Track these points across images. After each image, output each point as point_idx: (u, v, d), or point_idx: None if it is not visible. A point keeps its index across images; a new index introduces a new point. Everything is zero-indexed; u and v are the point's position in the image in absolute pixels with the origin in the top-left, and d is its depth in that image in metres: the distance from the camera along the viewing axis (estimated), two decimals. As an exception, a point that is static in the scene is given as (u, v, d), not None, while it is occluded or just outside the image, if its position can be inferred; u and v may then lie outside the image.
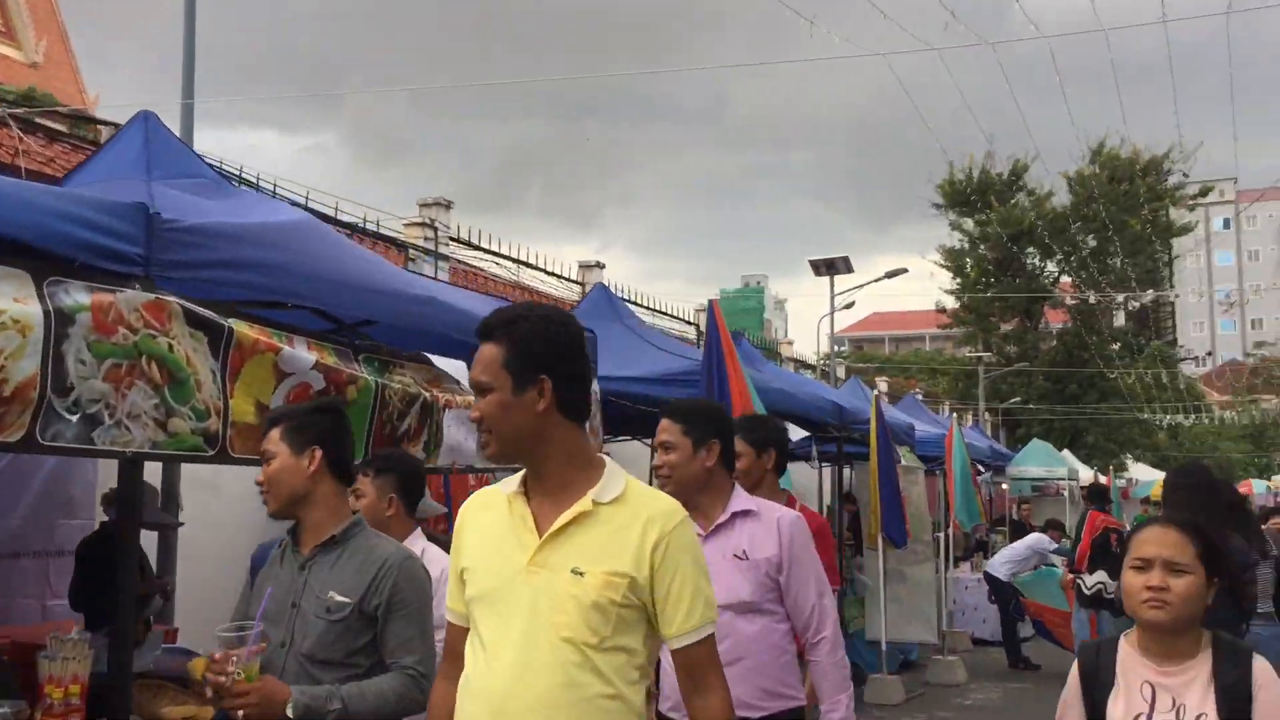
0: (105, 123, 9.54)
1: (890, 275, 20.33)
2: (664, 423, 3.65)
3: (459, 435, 4.43)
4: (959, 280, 38.17)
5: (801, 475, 15.68)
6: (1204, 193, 38.12)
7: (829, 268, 20.36)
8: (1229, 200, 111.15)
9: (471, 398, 4.63)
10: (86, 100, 36.81)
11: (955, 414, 28.90)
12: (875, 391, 9.66)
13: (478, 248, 11.60)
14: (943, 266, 38.40)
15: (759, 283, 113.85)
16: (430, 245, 10.30)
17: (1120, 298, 36.16)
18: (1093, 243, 37.62)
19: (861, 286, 20.57)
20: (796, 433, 8.80)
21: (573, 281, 13.09)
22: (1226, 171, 42.08)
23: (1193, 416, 44.11)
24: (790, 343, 21.93)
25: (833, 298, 20.03)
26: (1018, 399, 36.44)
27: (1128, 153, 37.61)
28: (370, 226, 10.08)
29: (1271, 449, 53.86)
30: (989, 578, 13.06)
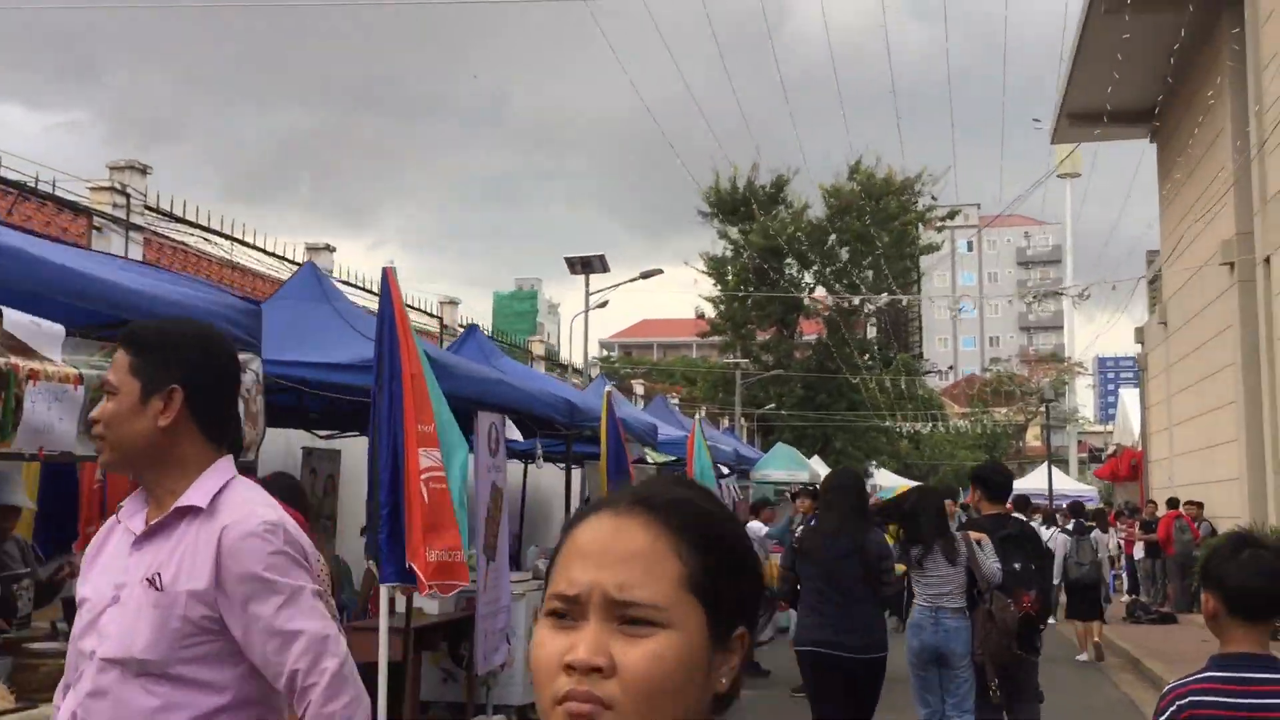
0: None
1: (645, 276, 20.20)
2: (116, 354, 2.42)
3: (50, 416, 3.63)
4: (720, 288, 38.77)
5: (551, 476, 15.30)
6: (951, 215, 40.12)
7: (584, 266, 20.02)
8: (973, 225, 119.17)
9: (73, 370, 3.85)
10: None
11: (704, 417, 29.25)
12: (607, 388, 9.24)
13: (178, 219, 10.43)
14: (705, 273, 38.92)
15: (532, 286, 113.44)
16: (121, 214, 9.15)
17: (866, 304, 37.64)
18: (846, 255, 38.96)
19: (617, 286, 20.37)
20: (512, 430, 8.26)
21: (294, 264, 12.09)
22: (973, 198, 44.83)
23: (932, 425, 46.41)
24: (543, 341, 21.40)
25: (587, 296, 19.71)
26: (772, 405, 37.29)
27: (883, 173, 39.20)
28: (44, 187, 8.84)
29: (1003, 457, 57.45)
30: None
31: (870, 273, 39.91)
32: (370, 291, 11.95)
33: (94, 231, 9.19)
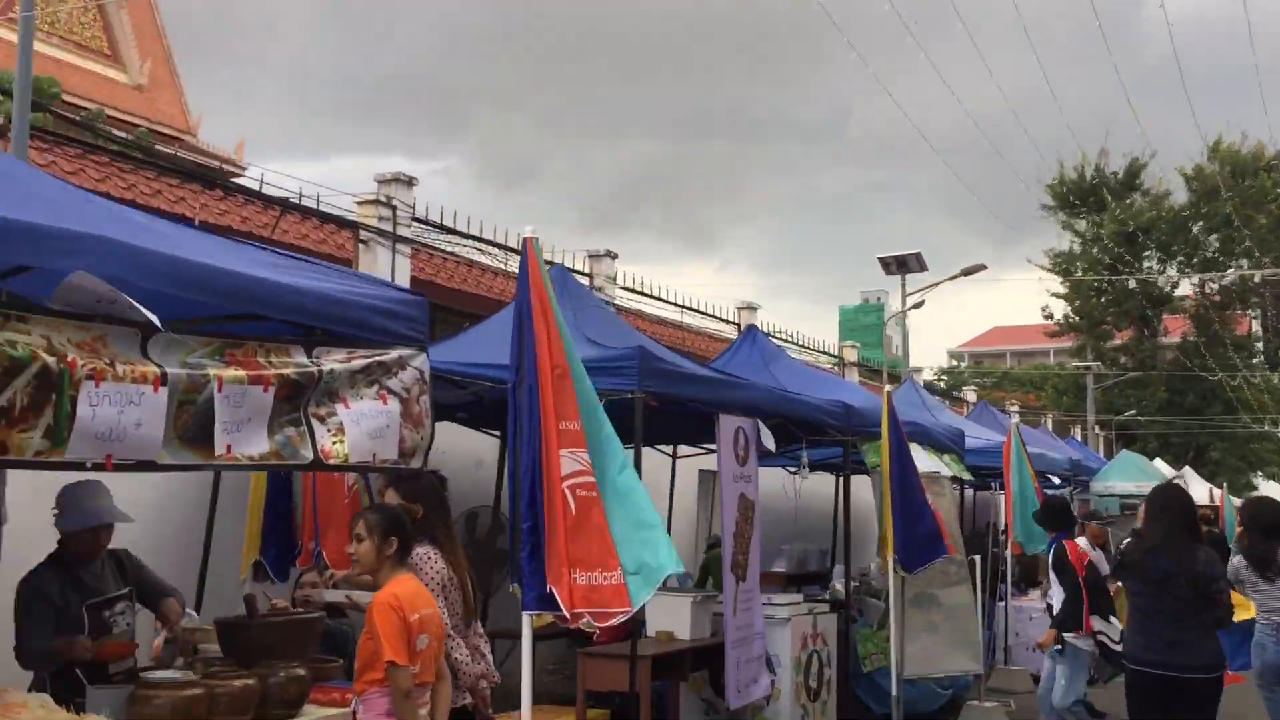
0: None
1: (967, 273, 18.65)
2: None
3: (121, 420, 3.26)
4: (1067, 285, 35.81)
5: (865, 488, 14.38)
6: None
7: (900, 265, 18.79)
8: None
9: (155, 369, 3.47)
10: (190, 123, 37.19)
11: (1048, 426, 26.84)
12: (887, 389, 8.22)
13: (445, 228, 10.47)
14: (1049, 271, 36.11)
15: (878, 299, 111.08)
16: (388, 227, 9.17)
17: (1243, 291, 33.44)
18: (1216, 242, 34.92)
19: (937, 284, 18.93)
20: (767, 438, 7.46)
21: (580, 273, 11.91)
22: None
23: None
24: (855, 346, 20.34)
25: (904, 297, 18.46)
26: (1132, 412, 33.93)
27: (1249, 149, 34.88)
28: (308, 203, 9.00)
29: None
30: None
31: (1245, 262, 35.59)
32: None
33: (360, 245, 9.28)
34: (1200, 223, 34.58)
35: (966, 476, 10.96)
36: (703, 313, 16.90)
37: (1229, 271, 33.75)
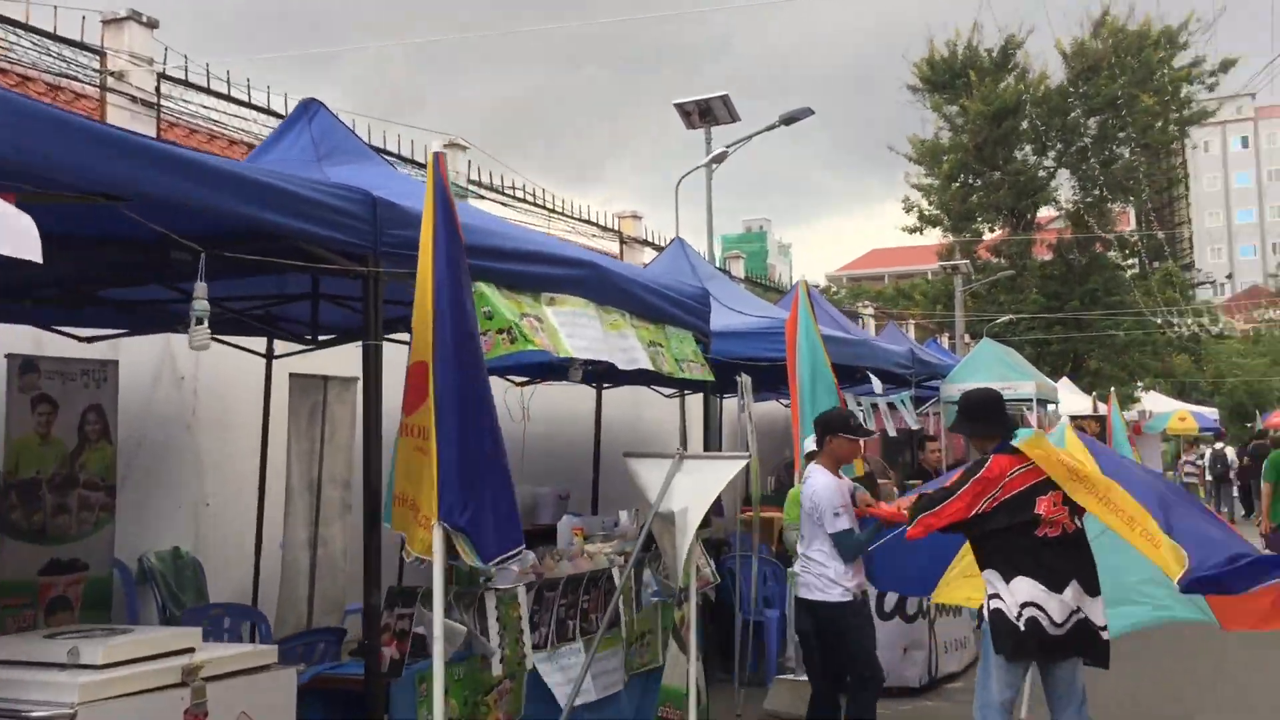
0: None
1: (787, 121, 14.29)
2: None
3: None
4: (932, 176, 31.84)
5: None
6: (1225, 67, 31.52)
7: (704, 114, 14.33)
8: (1247, 118, 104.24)
9: None
10: None
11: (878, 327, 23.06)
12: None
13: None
14: (912, 160, 32.09)
15: (761, 227, 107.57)
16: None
17: (1121, 188, 29.96)
18: (1095, 128, 31.28)
19: (751, 137, 14.53)
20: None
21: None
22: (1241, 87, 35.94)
23: (1216, 327, 37.98)
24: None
25: (709, 151, 14.04)
26: (1007, 317, 30.31)
27: (1136, 25, 31.24)
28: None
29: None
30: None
31: (1126, 151, 32.11)
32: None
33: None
34: (1079, 106, 30.87)
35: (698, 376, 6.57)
36: (579, 219, 14.62)
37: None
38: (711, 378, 6.49)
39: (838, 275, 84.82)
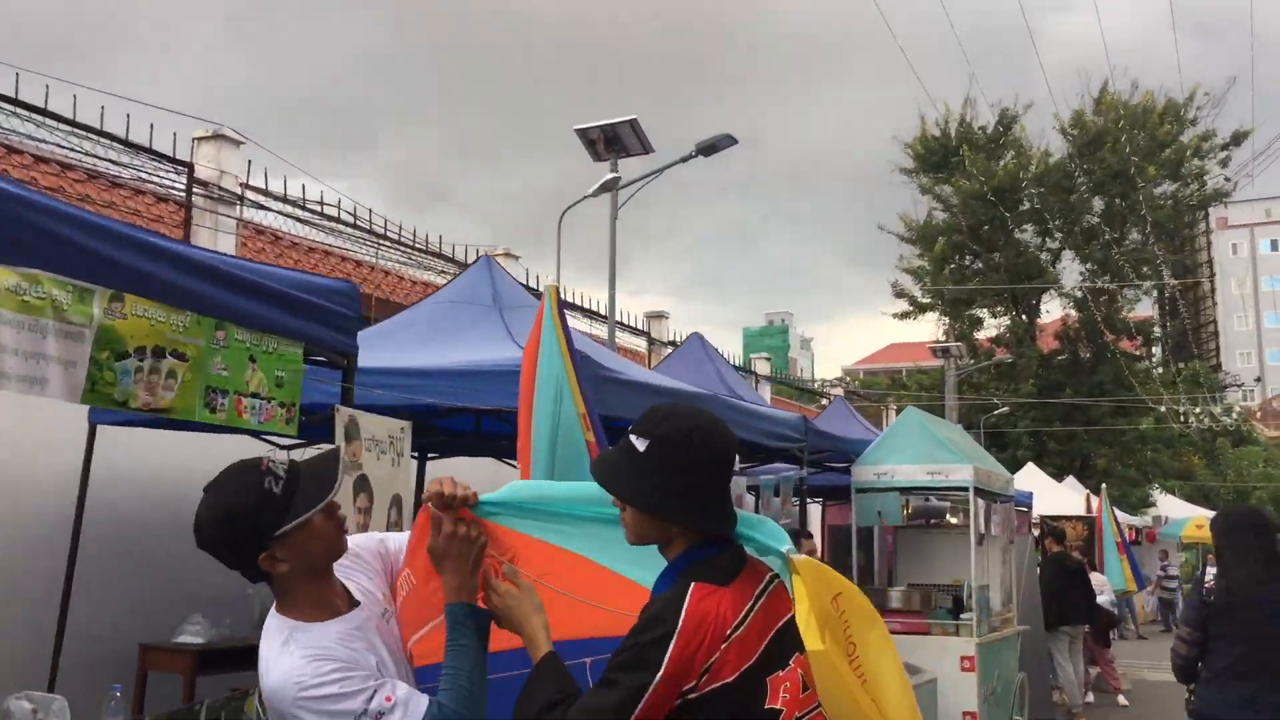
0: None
1: (705, 152, 12.22)
2: None
3: None
4: (925, 258, 29.69)
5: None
6: (1237, 140, 29.40)
7: (609, 142, 12.28)
8: (1275, 220, 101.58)
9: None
10: None
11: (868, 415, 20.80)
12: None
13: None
14: (903, 239, 29.98)
15: (783, 320, 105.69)
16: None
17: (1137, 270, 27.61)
18: (1101, 207, 29.12)
19: (663, 170, 12.44)
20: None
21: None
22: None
23: (1229, 417, 35.24)
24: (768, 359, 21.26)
25: (616, 178, 11.95)
26: (1004, 409, 27.84)
27: (1138, 100, 29.31)
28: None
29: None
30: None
31: (1135, 232, 29.90)
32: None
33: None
34: (1083, 182, 28.78)
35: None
36: (619, 324, 15.35)
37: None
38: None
39: (855, 369, 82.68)
